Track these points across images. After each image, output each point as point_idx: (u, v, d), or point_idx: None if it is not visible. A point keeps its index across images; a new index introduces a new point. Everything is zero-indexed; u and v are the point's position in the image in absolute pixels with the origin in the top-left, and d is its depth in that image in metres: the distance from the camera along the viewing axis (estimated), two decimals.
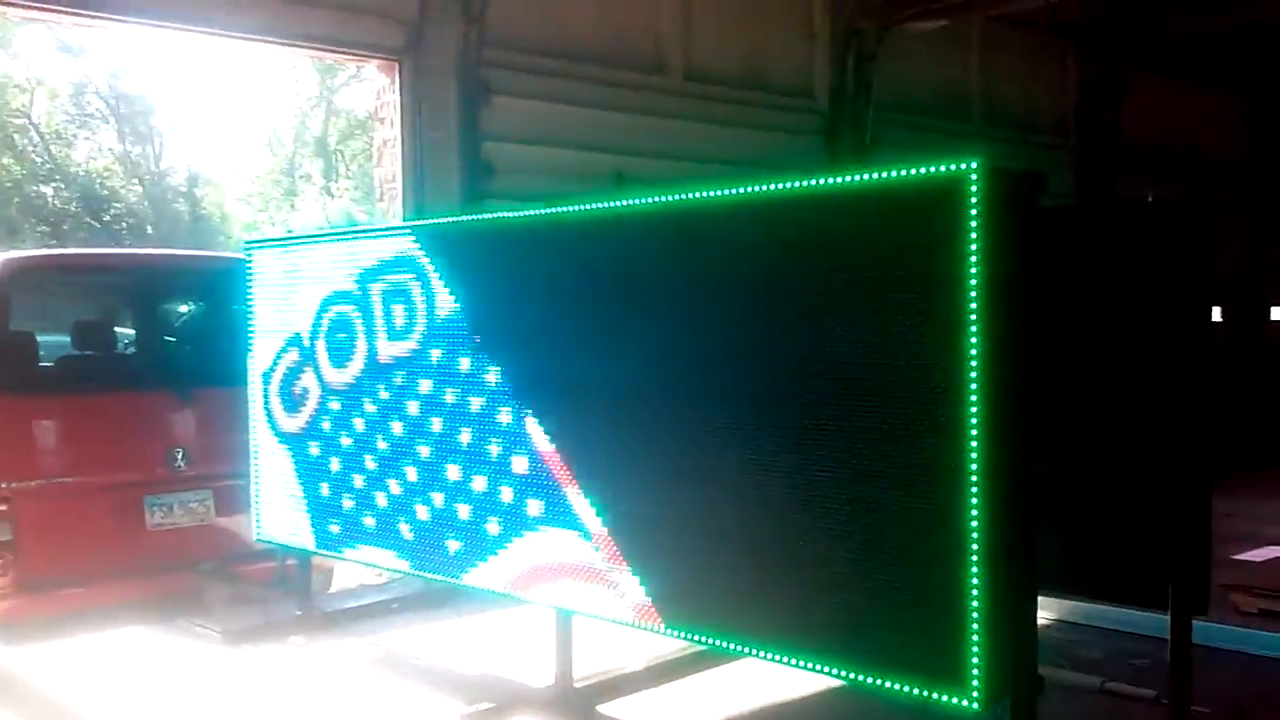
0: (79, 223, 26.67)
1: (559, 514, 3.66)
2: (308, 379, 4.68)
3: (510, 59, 8.27)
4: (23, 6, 7.31)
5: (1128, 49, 12.70)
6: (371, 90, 8.61)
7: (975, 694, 2.73)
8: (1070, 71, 12.83)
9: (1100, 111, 12.79)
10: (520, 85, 8.31)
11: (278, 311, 4.80)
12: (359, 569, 8.12)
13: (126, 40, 28.41)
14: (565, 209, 3.68)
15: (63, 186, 27.65)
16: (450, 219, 4.20)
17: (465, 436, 3.97)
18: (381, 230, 4.37)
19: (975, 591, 2.72)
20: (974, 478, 2.71)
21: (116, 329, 7.28)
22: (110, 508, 6.15)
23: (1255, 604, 5.37)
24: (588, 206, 3.61)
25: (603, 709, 3.80)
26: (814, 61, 10.22)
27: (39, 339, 6.49)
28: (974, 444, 2.70)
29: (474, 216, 4.01)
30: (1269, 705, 3.93)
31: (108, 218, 27.45)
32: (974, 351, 2.70)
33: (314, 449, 4.65)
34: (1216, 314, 5.92)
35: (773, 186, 3.11)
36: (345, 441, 4.47)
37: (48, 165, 28.01)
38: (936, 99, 11.27)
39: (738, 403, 3.20)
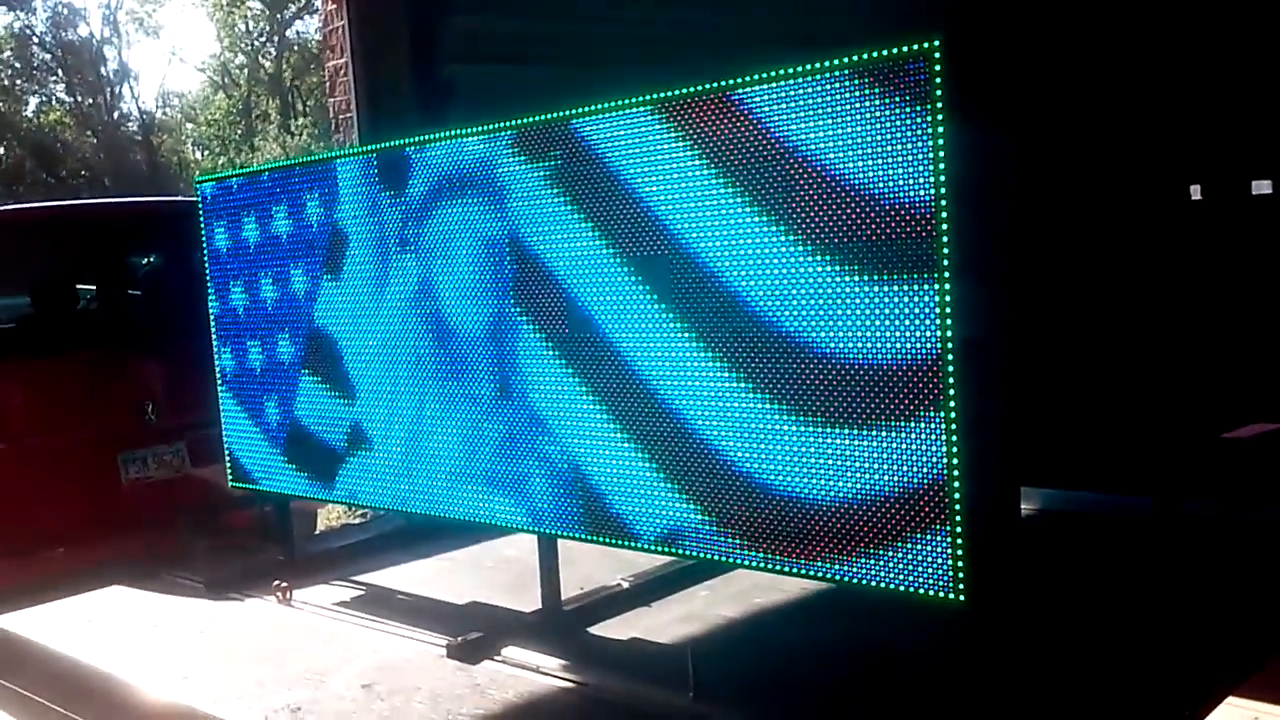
0: (34, 179, 26.14)
1: (536, 436, 3.60)
2: (269, 318, 4.57)
3: None
4: None
5: None
6: (320, 18, 8.28)
7: (960, 587, 2.71)
8: None
9: None
10: None
11: (233, 249, 4.67)
12: (342, 510, 8.11)
13: None
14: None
15: (14, 143, 27.04)
16: (357, 149, 4.11)
17: (433, 367, 3.90)
18: (318, 160, 4.24)
19: (956, 485, 2.68)
20: (949, 369, 2.65)
21: (77, 285, 7.13)
22: (84, 466, 6.07)
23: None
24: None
25: (593, 630, 3.78)
26: None
27: None
28: (949, 334, 2.64)
29: (382, 145, 3.99)
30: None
31: (63, 172, 26.91)
32: (944, 239, 2.62)
33: (280, 390, 4.56)
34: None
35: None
36: (310, 380, 4.39)
37: None
38: None
39: (706, 309, 3.13)
